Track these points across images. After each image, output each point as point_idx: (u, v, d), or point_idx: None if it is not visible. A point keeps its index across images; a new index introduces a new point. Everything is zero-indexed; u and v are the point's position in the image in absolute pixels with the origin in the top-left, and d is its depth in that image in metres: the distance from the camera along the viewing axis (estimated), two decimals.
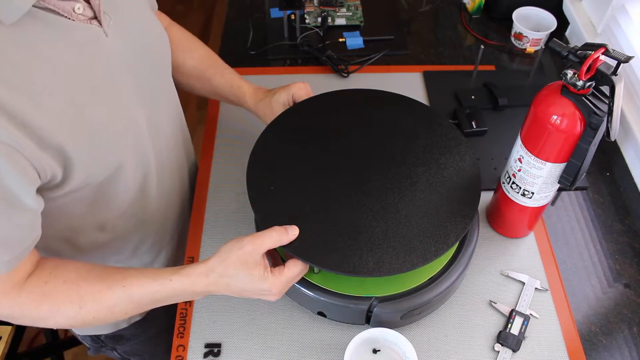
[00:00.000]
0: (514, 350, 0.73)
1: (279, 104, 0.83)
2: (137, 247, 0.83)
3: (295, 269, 0.66)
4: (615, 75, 0.61)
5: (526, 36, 1.13)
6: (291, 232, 0.66)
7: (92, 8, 0.60)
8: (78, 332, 0.96)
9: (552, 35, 1.12)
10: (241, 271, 0.63)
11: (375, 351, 0.72)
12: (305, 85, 0.84)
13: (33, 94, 0.54)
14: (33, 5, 0.53)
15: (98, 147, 0.62)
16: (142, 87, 0.70)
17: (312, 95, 0.84)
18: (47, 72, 0.55)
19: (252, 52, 1.15)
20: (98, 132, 0.61)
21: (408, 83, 1.07)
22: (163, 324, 0.96)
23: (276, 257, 0.73)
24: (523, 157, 0.72)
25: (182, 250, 0.85)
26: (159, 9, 0.84)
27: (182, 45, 0.88)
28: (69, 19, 0.57)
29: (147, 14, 0.74)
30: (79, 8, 0.58)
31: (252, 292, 0.65)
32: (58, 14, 0.56)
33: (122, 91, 0.65)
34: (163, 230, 0.86)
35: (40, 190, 0.59)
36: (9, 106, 0.51)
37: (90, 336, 0.95)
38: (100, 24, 0.61)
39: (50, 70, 0.56)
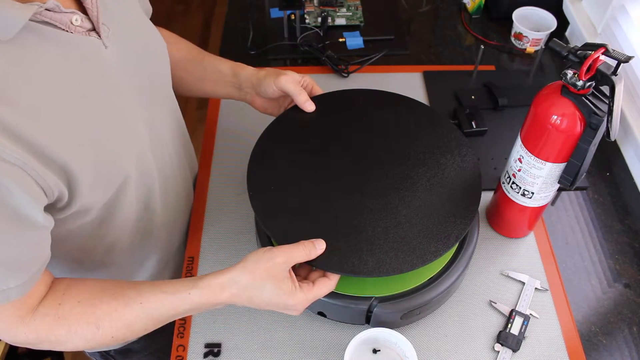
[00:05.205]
0: (514, 350, 0.73)
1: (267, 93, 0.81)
2: (143, 261, 0.82)
3: (324, 288, 0.64)
4: (615, 75, 0.61)
5: (526, 36, 1.13)
6: (319, 247, 0.65)
7: (90, 20, 0.59)
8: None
9: (552, 35, 1.12)
10: (268, 283, 0.61)
11: (375, 351, 0.72)
12: (291, 76, 0.79)
13: (34, 111, 0.52)
14: (29, 19, 0.51)
15: (102, 162, 0.60)
16: (143, 97, 0.68)
17: (301, 84, 0.80)
18: (48, 88, 0.54)
19: (252, 52, 1.15)
20: (101, 146, 0.60)
21: (408, 83, 1.07)
22: (171, 335, 0.96)
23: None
24: (523, 157, 0.72)
25: None
26: (159, 9, 0.83)
27: (167, 40, 0.87)
28: (67, 31, 0.56)
29: (145, 23, 0.72)
30: (76, 20, 0.56)
31: (276, 306, 0.64)
32: (55, 27, 0.55)
33: (123, 103, 0.64)
34: (170, 242, 0.85)
35: (48, 210, 0.57)
36: (11, 125, 0.50)
37: (99, 352, 0.94)
38: (99, 36, 0.59)
39: (51, 86, 0.54)
